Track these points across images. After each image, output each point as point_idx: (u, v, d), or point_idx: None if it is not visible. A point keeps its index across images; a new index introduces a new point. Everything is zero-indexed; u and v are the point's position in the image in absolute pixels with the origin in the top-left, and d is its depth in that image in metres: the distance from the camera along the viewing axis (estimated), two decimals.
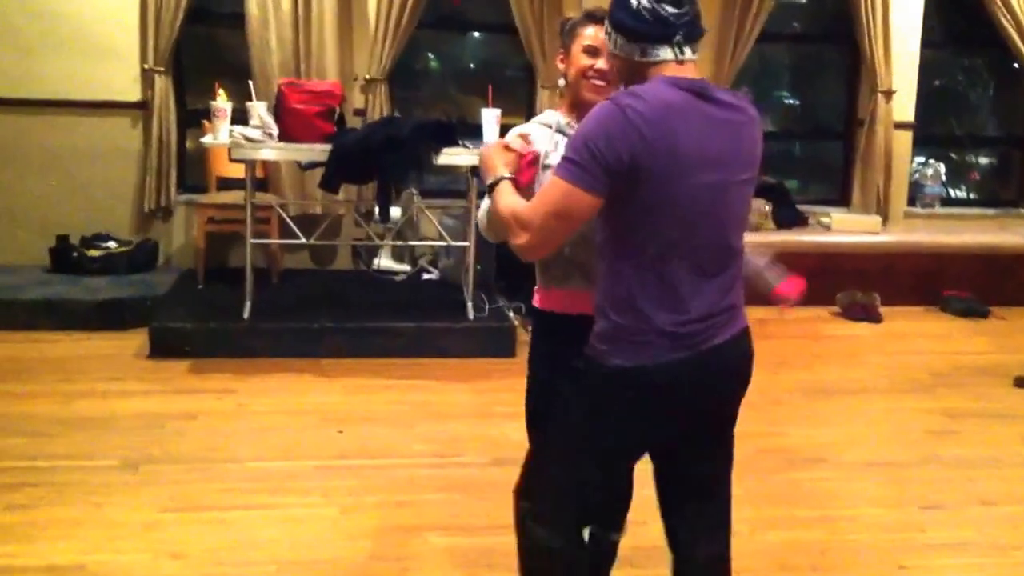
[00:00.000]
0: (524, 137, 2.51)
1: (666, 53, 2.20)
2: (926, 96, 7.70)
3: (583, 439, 2.36)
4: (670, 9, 2.18)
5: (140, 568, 3.29)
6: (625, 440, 2.36)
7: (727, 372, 2.36)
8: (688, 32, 2.21)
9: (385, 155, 5.40)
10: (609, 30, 2.28)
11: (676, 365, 2.23)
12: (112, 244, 6.52)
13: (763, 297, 2.73)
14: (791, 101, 8.37)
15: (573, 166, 2.14)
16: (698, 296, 2.24)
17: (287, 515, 3.69)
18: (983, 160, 8.55)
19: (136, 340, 5.58)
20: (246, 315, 5.60)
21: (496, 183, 2.38)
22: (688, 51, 2.22)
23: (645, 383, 2.25)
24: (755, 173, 2.34)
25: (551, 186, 2.18)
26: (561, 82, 2.66)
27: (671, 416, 2.32)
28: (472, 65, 7.85)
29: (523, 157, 2.45)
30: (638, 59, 2.23)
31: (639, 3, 2.19)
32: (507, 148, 2.47)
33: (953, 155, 8.34)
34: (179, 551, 3.39)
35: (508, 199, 2.32)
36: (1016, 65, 7.73)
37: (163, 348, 5.41)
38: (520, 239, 2.24)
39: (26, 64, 6.52)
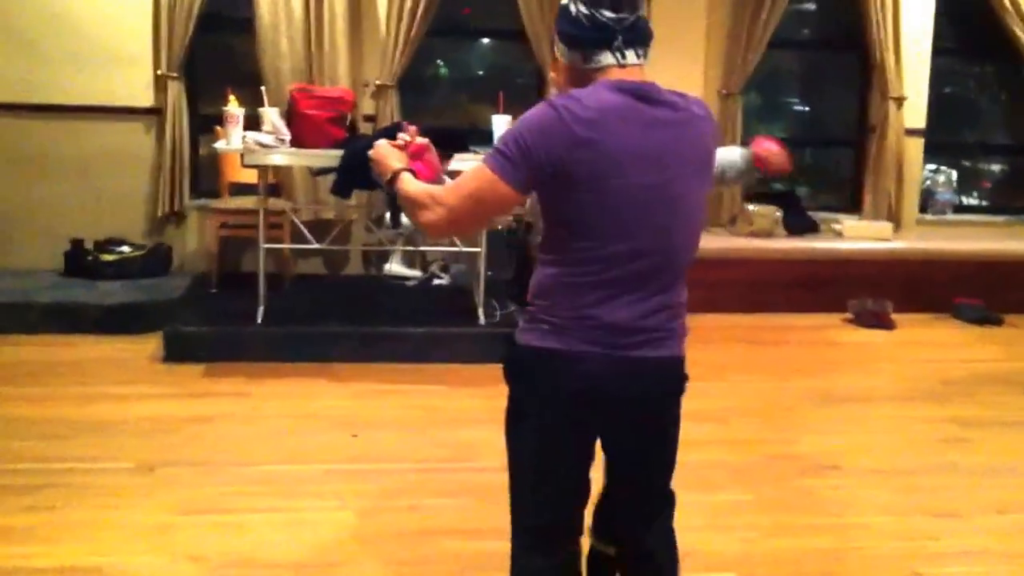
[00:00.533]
0: (409, 131, 2.52)
1: (607, 58, 2.22)
2: (937, 103, 7.70)
3: (513, 445, 2.43)
4: (608, 14, 2.20)
5: (157, 571, 3.30)
6: (544, 433, 2.35)
7: (647, 388, 2.32)
8: (629, 37, 2.22)
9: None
10: (555, 39, 2.32)
11: (591, 358, 2.22)
12: (126, 248, 6.55)
13: (749, 173, 2.93)
14: (802, 108, 8.37)
15: (500, 156, 2.16)
16: (634, 304, 2.23)
17: (301, 519, 3.71)
18: (994, 167, 8.55)
19: (150, 344, 5.61)
20: (259, 319, 5.63)
21: (396, 175, 2.39)
22: (631, 55, 2.23)
23: (555, 366, 2.24)
24: (706, 176, 2.32)
25: (475, 171, 2.22)
26: (554, 91, 2.68)
27: (581, 411, 2.30)
28: (482, 72, 7.88)
29: (407, 146, 2.47)
30: (581, 66, 2.25)
31: (577, 10, 2.22)
32: (393, 145, 2.48)
33: (965, 162, 8.33)
34: (195, 554, 3.41)
35: (417, 184, 2.35)
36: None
37: (177, 352, 5.44)
38: (432, 214, 2.26)
39: (42, 71, 6.57)
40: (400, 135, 2.54)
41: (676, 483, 2.58)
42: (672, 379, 2.36)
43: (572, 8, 2.23)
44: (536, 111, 2.17)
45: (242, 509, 3.77)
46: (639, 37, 2.24)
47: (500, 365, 2.38)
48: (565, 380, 2.26)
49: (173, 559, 3.37)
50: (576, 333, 2.22)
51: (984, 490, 4.22)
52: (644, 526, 2.52)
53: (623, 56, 2.22)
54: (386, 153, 2.45)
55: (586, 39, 2.22)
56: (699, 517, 3.80)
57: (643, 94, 2.19)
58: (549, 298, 2.25)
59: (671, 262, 2.26)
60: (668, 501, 2.56)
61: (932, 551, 3.67)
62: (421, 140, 2.46)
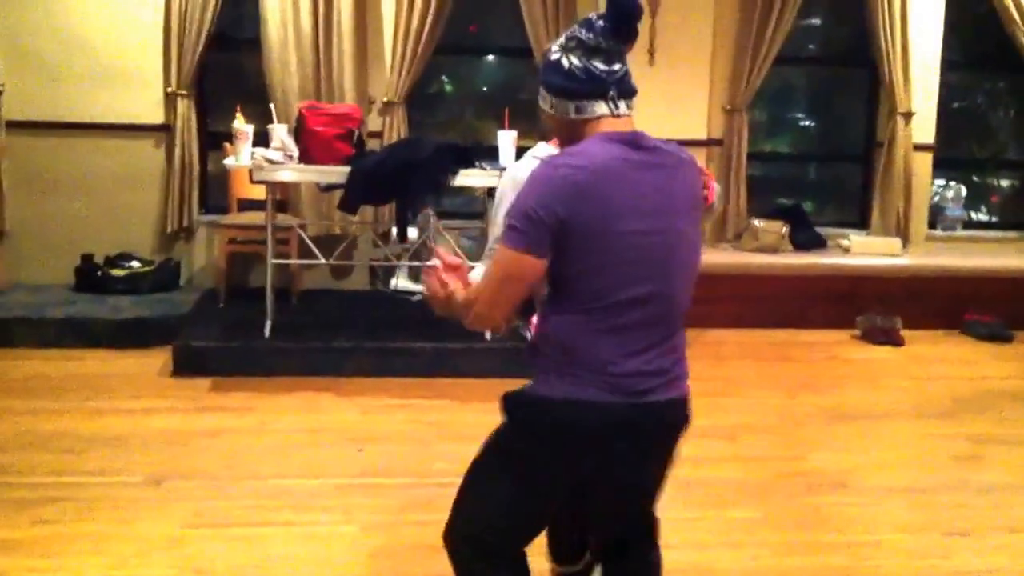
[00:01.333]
0: (438, 254, 2.49)
1: (601, 108, 2.26)
2: (947, 119, 7.69)
3: (495, 477, 2.45)
4: (601, 67, 2.25)
5: None
6: (537, 481, 2.38)
7: (661, 430, 2.38)
8: (621, 88, 2.27)
9: (403, 176, 5.44)
10: (543, 93, 2.33)
11: (610, 407, 2.26)
12: (135, 264, 6.57)
13: None
14: (808, 123, 8.37)
15: (515, 233, 2.19)
16: (645, 350, 2.27)
17: (309, 532, 3.71)
18: (1004, 183, 8.53)
19: (160, 358, 5.62)
20: (267, 334, 5.63)
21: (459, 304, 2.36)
22: (623, 106, 2.28)
23: (572, 416, 2.27)
24: (698, 218, 2.37)
25: (496, 257, 2.25)
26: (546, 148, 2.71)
27: (587, 458, 2.34)
28: (487, 88, 7.90)
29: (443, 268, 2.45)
30: (572, 116, 2.29)
31: (571, 63, 2.26)
32: (440, 273, 2.42)
33: (974, 178, 8.32)
34: (204, 567, 3.42)
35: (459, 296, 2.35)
36: None
37: (186, 366, 5.45)
38: (474, 314, 2.30)
39: (54, 89, 6.61)
40: (432, 261, 2.50)
41: (687, 501, 2.59)
42: (682, 418, 2.41)
43: (564, 62, 2.26)
44: (538, 175, 2.22)
45: (250, 523, 3.77)
46: (628, 88, 2.29)
47: (503, 402, 2.42)
48: (581, 429, 2.28)
49: (181, 572, 3.38)
50: (592, 381, 2.25)
51: (997, 508, 4.20)
52: (625, 547, 2.59)
53: (616, 107, 2.27)
54: (442, 288, 2.39)
55: (580, 91, 2.26)
56: (709, 534, 3.81)
57: (637, 143, 2.25)
58: (560, 348, 2.28)
59: (673, 305, 2.31)
60: (654, 523, 2.61)
61: (944, 570, 3.64)
62: (452, 259, 2.46)
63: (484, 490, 2.48)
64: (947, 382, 5.97)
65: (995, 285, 7.12)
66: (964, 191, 7.89)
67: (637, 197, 2.21)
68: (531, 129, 6.26)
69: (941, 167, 7.78)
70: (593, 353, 2.24)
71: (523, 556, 2.54)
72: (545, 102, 2.33)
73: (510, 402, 2.39)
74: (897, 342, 6.68)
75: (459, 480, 4.21)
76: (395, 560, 3.53)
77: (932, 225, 7.77)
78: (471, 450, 4.53)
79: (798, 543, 3.81)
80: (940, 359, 6.51)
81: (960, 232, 7.82)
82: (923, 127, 7.50)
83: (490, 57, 7.76)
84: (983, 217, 8.29)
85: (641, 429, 2.31)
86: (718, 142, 7.29)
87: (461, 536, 2.51)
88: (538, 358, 2.33)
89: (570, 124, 2.30)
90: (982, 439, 5.00)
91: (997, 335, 6.89)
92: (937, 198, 7.85)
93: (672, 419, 2.38)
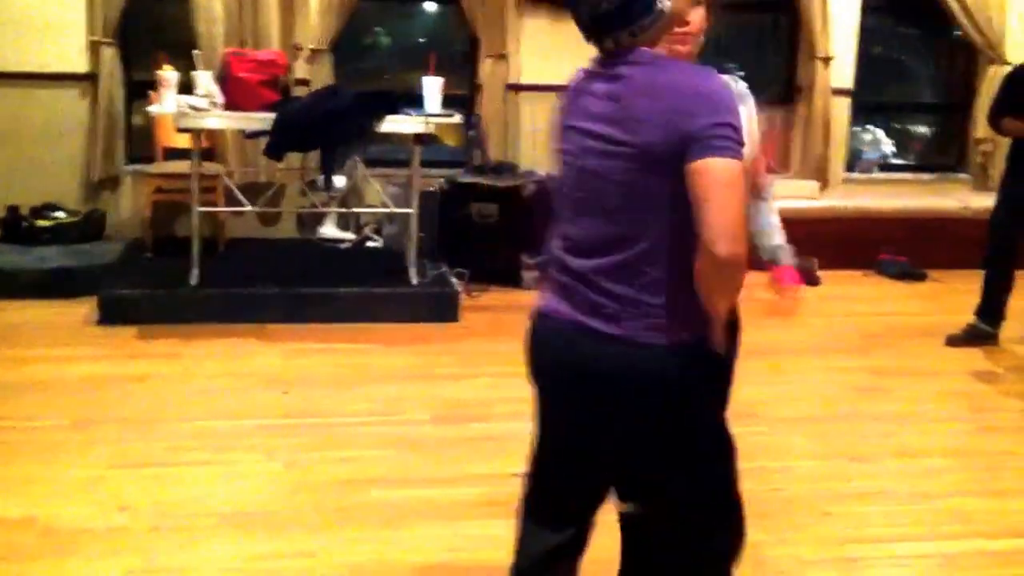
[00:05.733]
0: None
1: None
2: (866, 64, 7.84)
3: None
4: None
5: (88, 520, 3.39)
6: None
7: (580, 368, 2.19)
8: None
9: (328, 124, 5.49)
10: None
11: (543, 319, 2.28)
12: (61, 214, 6.56)
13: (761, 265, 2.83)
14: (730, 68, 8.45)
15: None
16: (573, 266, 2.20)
17: (231, 471, 3.80)
18: (922, 128, 8.73)
19: (85, 308, 5.64)
20: (193, 282, 5.68)
21: None
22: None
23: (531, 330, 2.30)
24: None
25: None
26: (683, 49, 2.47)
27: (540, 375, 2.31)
28: (417, 38, 7.92)
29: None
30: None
31: None
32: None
33: (893, 123, 8.51)
34: (127, 504, 3.50)
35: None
36: (956, 33, 7.88)
37: (111, 315, 5.48)
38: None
39: None
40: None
41: None
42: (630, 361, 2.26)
43: None
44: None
45: (174, 463, 3.86)
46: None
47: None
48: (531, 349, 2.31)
49: (104, 510, 3.46)
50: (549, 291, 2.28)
51: (894, 436, 4.40)
52: None
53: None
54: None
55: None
56: None
57: None
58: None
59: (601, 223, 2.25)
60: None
61: (842, 492, 3.84)
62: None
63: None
64: (857, 319, 6.19)
65: (909, 226, 7.34)
66: (882, 134, 8.07)
67: None
68: (457, 78, 6.31)
69: (860, 112, 7.95)
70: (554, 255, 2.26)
71: None
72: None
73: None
74: (813, 282, 6.82)
75: (382, 418, 4.33)
76: (317, 495, 3.63)
77: (851, 168, 7.96)
78: (394, 390, 4.69)
79: None
80: (853, 297, 6.73)
81: (878, 175, 8.03)
82: (842, 72, 7.65)
83: (423, 6, 7.78)
84: (900, 161, 8.48)
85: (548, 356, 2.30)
86: None
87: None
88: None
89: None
90: (886, 372, 5.22)
91: (910, 274, 7.12)
92: (855, 142, 8.02)
93: (603, 355, 2.19)
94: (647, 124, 2.02)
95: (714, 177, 1.95)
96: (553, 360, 2.24)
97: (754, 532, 3.48)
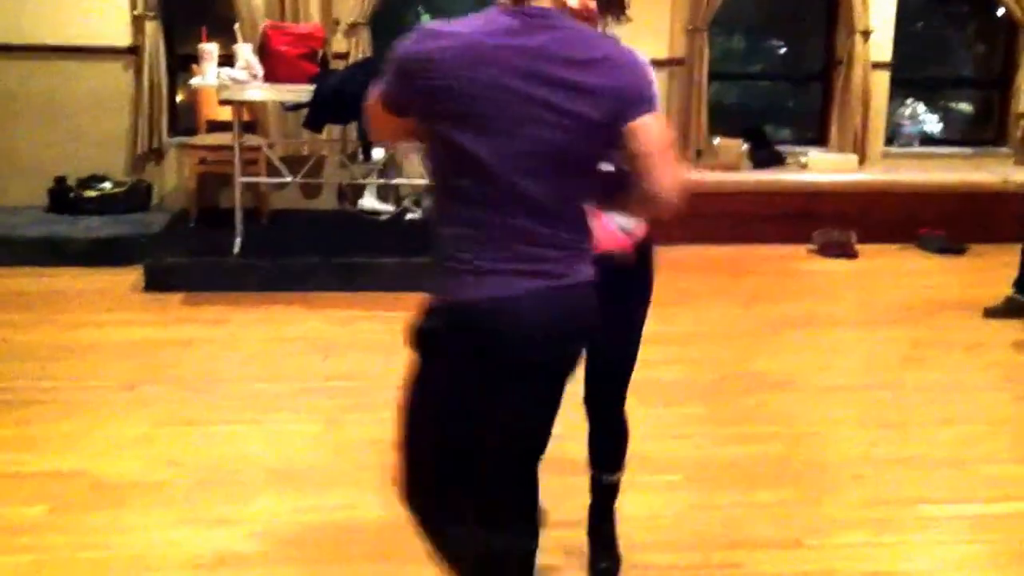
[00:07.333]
0: None
1: None
2: (906, 38, 7.80)
3: None
4: None
5: (137, 474, 3.51)
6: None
7: (512, 335, 2.10)
8: None
9: (364, 97, 5.53)
10: None
11: (473, 305, 2.08)
12: (107, 185, 6.68)
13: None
14: (771, 43, 8.46)
15: None
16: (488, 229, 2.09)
17: (274, 430, 3.91)
18: (962, 104, 8.66)
19: (131, 276, 5.75)
20: (236, 251, 5.77)
21: None
22: None
23: (449, 321, 2.13)
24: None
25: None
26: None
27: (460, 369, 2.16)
28: (455, 11, 7.91)
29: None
30: None
31: None
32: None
33: (932, 97, 8.45)
34: (173, 460, 3.62)
35: None
36: (999, 12, 7.82)
37: (158, 283, 5.59)
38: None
39: (20, 11, 6.65)
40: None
41: (634, 398, 2.81)
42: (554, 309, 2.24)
43: None
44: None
45: (220, 421, 3.97)
46: None
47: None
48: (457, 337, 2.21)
49: (153, 465, 3.57)
50: (465, 276, 2.17)
51: (931, 405, 4.40)
52: None
53: None
54: None
55: None
56: (653, 427, 3.98)
57: None
58: (438, 241, 2.22)
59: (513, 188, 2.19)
60: None
61: (876, 456, 3.86)
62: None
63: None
64: (897, 292, 6.15)
65: (949, 200, 7.27)
66: (922, 108, 8.02)
67: None
68: None
69: (899, 85, 7.90)
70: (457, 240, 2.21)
71: None
72: None
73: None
74: (851, 255, 6.85)
75: None
76: (358, 453, 3.71)
77: (890, 142, 7.91)
78: None
79: (740, 435, 4.01)
80: (892, 271, 6.68)
81: (917, 149, 7.97)
82: (881, 46, 7.61)
83: None
84: (939, 135, 8.43)
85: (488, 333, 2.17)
86: (679, 62, 7.40)
87: None
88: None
89: None
90: (925, 343, 5.20)
91: (949, 248, 7.07)
92: (896, 116, 7.98)
93: (532, 313, 2.14)
94: (594, 96, 2.01)
95: (657, 132, 2.06)
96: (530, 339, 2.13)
97: (784, 491, 3.57)
